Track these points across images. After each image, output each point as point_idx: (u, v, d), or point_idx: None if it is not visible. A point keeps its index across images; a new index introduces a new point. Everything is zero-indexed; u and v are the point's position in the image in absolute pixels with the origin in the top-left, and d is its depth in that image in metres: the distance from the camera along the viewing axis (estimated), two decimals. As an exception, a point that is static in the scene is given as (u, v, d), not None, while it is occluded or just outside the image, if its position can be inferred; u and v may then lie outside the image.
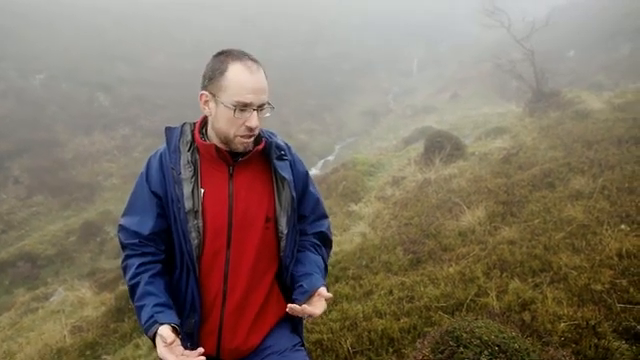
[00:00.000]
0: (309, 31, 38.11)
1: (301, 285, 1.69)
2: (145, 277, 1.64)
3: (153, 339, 1.53)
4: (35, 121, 19.84)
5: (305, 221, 1.91)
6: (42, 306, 9.49)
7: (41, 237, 14.14)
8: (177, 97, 22.98)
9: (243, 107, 1.58)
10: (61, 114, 20.94)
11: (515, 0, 28.35)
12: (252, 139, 1.67)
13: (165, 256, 1.72)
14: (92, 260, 13.15)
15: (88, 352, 6.20)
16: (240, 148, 1.66)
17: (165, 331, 1.49)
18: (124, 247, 1.73)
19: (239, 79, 1.57)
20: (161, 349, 1.47)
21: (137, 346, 5.75)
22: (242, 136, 1.63)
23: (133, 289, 1.65)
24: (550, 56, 15.71)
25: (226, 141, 1.66)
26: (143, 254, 1.68)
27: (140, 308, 1.60)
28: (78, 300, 8.82)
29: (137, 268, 1.66)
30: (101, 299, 8.39)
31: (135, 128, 21.36)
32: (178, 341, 1.51)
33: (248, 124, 1.59)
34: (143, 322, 1.57)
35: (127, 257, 1.72)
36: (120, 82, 24.23)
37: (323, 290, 1.65)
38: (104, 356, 6.00)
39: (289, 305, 1.58)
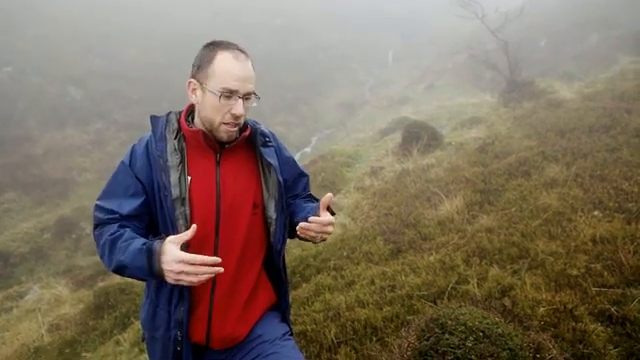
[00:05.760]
0: (284, 24, 37.76)
1: (307, 214, 1.72)
2: (127, 231, 1.58)
3: (151, 266, 1.45)
4: (5, 116, 19.27)
5: (297, 198, 1.96)
6: (17, 305, 9.25)
7: (13, 235, 13.73)
8: (151, 91, 22.66)
9: (229, 94, 1.59)
10: (32, 108, 20.35)
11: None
12: (236, 128, 1.67)
13: (145, 233, 1.67)
14: (68, 257, 12.84)
15: (67, 350, 6.11)
16: (224, 137, 1.66)
17: (171, 237, 1.46)
18: (100, 224, 1.65)
19: (226, 67, 1.59)
20: (178, 253, 1.41)
21: (118, 343, 5.69)
22: (227, 124, 1.63)
23: (113, 242, 1.56)
24: (522, 46, 15.90)
25: (211, 129, 1.66)
26: (122, 225, 1.62)
27: (125, 247, 1.51)
28: (55, 298, 8.64)
29: (117, 228, 1.59)
30: (79, 296, 8.25)
31: (109, 122, 20.91)
32: None
33: (233, 111, 1.60)
34: (136, 249, 1.48)
35: (102, 226, 1.64)
36: (92, 76, 23.65)
37: (324, 198, 1.66)
38: (84, 354, 5.92)
39: (300, 224, 1.62)
